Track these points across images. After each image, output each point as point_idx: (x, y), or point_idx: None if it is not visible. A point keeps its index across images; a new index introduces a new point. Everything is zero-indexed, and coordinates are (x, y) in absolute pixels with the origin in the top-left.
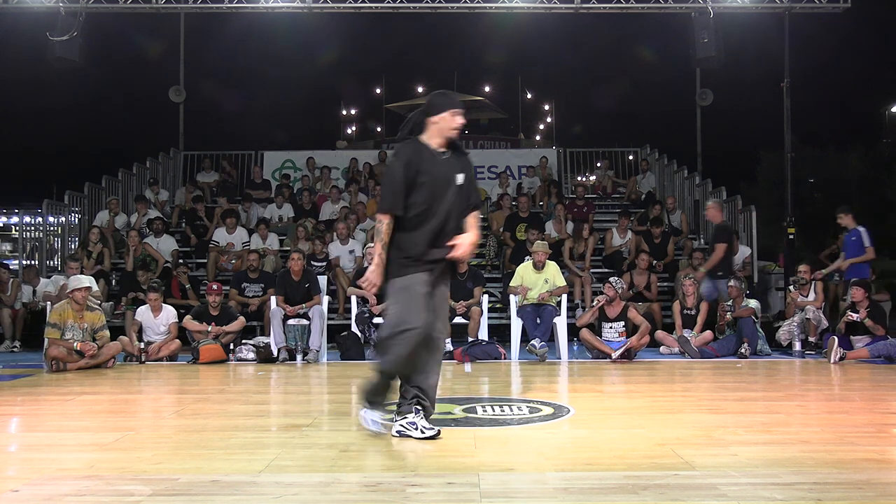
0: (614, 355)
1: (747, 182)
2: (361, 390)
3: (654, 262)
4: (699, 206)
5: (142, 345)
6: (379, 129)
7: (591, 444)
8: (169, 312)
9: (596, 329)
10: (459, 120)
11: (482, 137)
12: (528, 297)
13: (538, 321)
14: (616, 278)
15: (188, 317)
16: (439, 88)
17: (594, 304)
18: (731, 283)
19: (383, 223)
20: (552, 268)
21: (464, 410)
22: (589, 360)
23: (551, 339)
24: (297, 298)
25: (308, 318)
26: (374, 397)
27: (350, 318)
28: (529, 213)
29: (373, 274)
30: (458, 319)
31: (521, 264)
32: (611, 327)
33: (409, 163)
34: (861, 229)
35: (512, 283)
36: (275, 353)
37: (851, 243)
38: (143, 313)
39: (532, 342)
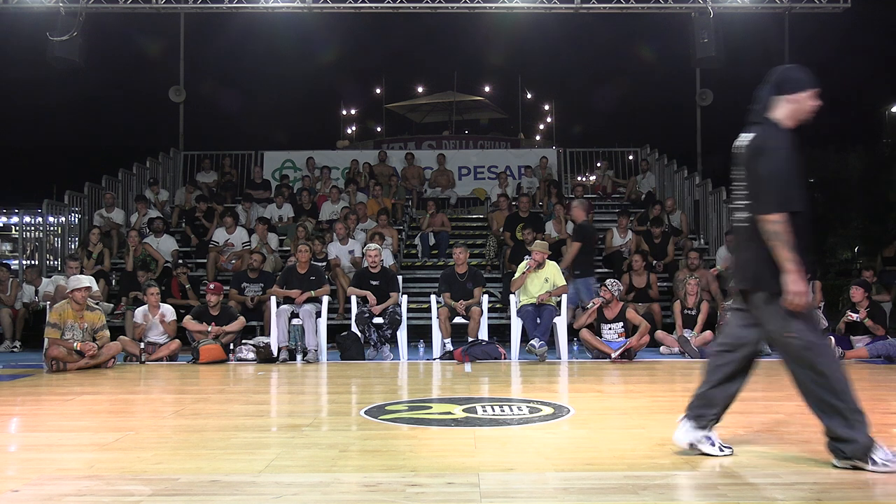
0: (614, 355)
1: None
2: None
3: (655, 262)
4: (699, 207)
5: (142, 344)
6: (379, 129)
7: (591, 444)
8: (167, 311)
9: (595, 330)
10: (816, 102)
11: (482, 137)
12: (528, 296)
13: (538, 321)
14: (612, 280)
15: (188, 317)
16: (440, 88)
17: (590, 306)
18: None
19: (778, 224)
20: (552, 267)
21: (464, 410)
22: (589, 360)
23: (551, 339)
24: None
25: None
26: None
27: (350, 318)
28: (529, 214)
29: (797, 284)
30: (458, 319)
31: (524, 262)
32: (609, 328)
33: (795, 151)
34: None
35: (514, 278)
36: (275, 352)
37: None
38: (141, 314)
39: (532, 342)
